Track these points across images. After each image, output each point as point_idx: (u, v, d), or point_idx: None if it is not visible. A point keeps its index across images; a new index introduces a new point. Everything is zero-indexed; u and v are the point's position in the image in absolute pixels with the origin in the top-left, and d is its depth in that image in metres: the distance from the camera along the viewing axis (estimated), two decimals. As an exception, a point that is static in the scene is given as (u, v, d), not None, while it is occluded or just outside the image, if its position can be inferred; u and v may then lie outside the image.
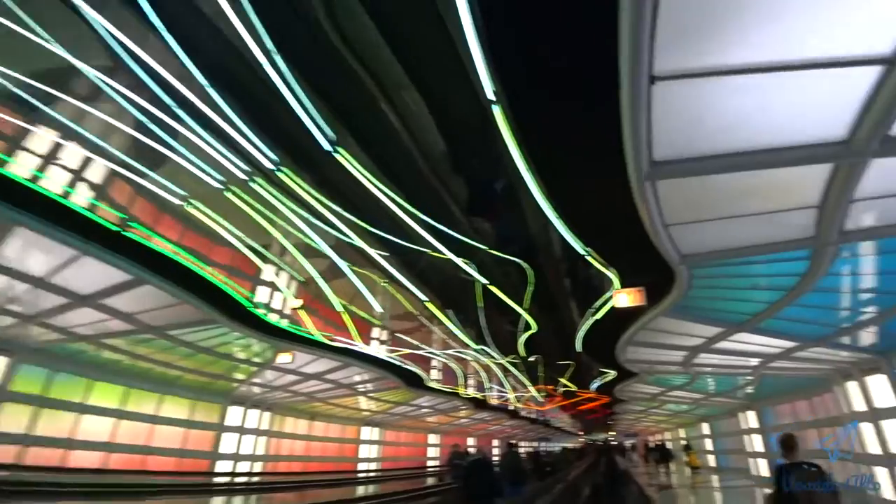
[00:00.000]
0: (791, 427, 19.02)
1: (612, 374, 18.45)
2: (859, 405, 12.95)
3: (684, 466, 31.22)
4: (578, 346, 13.40)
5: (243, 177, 10.69)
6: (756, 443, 21.22)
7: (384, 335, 23.24)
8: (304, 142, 9.55)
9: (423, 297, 12.28)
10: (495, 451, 46.00)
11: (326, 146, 8.80)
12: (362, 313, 15.12)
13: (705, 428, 31.65)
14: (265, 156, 9.96)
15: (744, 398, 21.42)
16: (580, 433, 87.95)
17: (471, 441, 44.74)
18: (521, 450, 37.23)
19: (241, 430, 20.21)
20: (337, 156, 8.91)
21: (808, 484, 4.65)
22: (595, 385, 22.43)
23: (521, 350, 15.05)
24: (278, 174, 10.24)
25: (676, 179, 5.33)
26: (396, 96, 11.42)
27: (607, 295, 9.71)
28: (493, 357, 17.10)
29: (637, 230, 6.58)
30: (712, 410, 27.55)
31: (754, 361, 13.84)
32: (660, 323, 10.54)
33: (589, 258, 7.86)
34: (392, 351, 20.11)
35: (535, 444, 63.96)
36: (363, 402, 24.86)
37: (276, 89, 8.82)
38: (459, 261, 11.89)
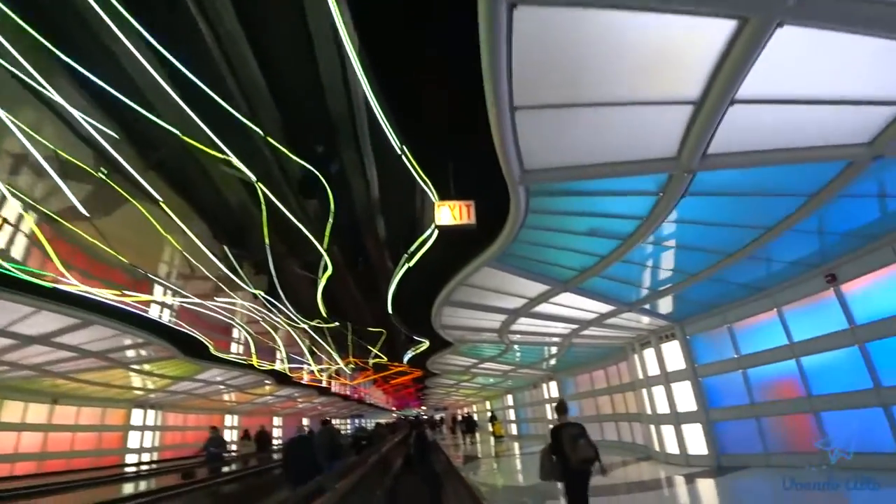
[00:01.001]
0: (588, 395, 19.97)
1: (425, 343, 17.17)
2: (653, 370, 13.40)
3: (490, 436, 32.48)
4: (390, 307, 11.48)
5: None
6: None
7: (148, 285, 16.92)
8: None
9: (156, 195, 7.86)
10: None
11: None
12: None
13: (509, 399, 33.07)
14: None
15: (547, 370, 22.16)
16: (393, 409, 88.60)
17: (277, 421, 40.93)
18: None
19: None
20: None
21: (573, 437, 6.24)
22: (408, 356, 21.06)
23: (322, 307, 12.54)
24: None
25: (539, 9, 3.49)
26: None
27: (425, 235, 7.79)
28: (288, 317, 14.14)
29: (472, 121, 4.71)
30: (517, 382, 28.55)
31: (566, 330, 13.54)
32: (482, 277, 9.08)
33: (405, 159, 5.82)
34: (159, 306, 14.92)
35: (347, 421, 62.22)
36: (133, 379, 19.04)
37: None
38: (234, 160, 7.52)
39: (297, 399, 35.10)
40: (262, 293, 11.99)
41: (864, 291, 9.20)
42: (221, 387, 23.21)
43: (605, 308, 11.35)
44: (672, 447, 12.63)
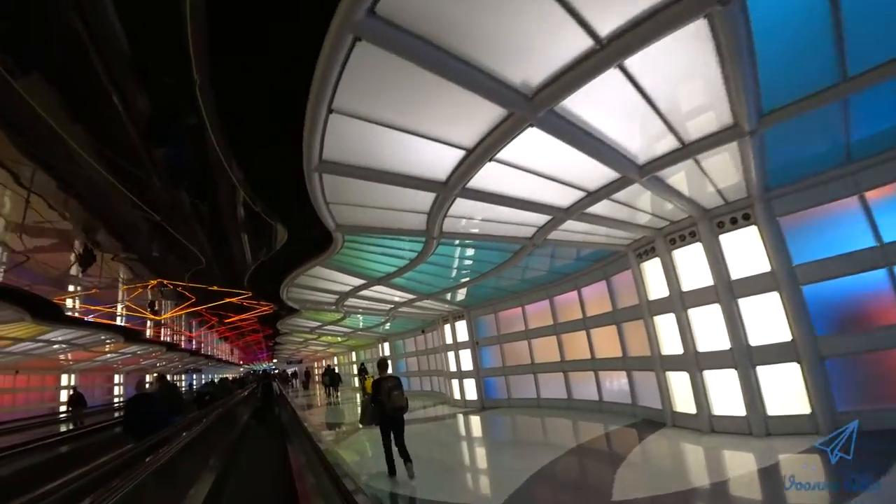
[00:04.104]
0: (516, 337, 14.38)
1: (282, 235, 9.82)
2: (698, 280, 7.92)
3: (357, 393, 26.40)
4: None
5: None
6: (465, 359, 16.19)
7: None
8: None
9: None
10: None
11: None
12: None
13: (385, 349, 26.89)
14: None
15: (455, 304, 16.10)
16: (240, 362, 79.60)
17: (66, 379, 30.18)
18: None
19: None
20: None
21: (389, 388, 7.37)
22: (252, 268, 13.23)
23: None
24: None
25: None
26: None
27: None
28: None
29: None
30: (399, 326, 22.42)
31: (543, 218, 7.44)
32: None
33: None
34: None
35: (182, 377, 51.89)
36: None
37: None
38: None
39: (93, 348, 25.25)
40: None
41: None
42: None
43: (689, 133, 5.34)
44: (728, 404, 7.33)
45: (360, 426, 12.22)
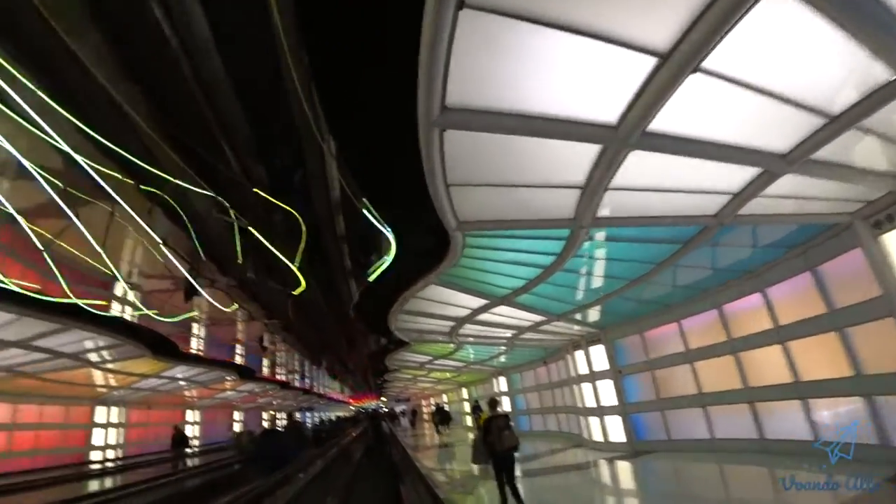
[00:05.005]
0: (671, 360, 11.85)
1: (388, 253, 8.45)
2: None
3: (470, 432, 24.43)
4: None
5: None
6: (604, 392, 13.64)
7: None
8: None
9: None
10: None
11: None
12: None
13: (502, 383, 24.72)
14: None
15: (588, 325, 13.81)
16: (350, 401, 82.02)
17: (191, 416, 31.72)
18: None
19: None
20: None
21: (500, 427, 7.60)
22: (372, 276, 12.44)
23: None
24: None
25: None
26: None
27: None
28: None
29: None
30: (516, 358, 20.37)
31: (745, 174, 5.28)
32: None
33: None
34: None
35: (297, 414, 54.12)
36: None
37: None
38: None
39: (212, 385, 25.97)
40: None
41: None
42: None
43: None
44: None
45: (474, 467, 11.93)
